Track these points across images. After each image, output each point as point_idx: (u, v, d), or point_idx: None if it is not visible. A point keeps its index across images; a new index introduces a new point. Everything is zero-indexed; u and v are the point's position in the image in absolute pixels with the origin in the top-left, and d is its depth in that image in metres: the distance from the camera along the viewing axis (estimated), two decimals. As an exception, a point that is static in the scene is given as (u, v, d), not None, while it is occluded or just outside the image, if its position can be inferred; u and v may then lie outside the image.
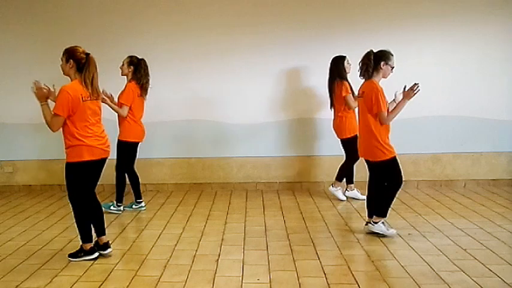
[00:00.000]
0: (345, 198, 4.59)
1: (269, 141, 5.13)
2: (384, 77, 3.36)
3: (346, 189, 4.67)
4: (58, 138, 5.20)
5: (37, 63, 5.09)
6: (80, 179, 3.11)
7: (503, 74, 4.88)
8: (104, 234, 3.25)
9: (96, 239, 3.25)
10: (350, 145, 4.29)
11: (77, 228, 3.19)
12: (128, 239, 3.64)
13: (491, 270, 2.85)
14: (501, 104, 4.94)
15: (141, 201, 4.45)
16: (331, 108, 4.51)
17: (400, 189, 3.46)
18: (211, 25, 4.89)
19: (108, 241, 3.26)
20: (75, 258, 3.17)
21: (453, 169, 5.09)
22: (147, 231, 3.84)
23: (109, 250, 3.24)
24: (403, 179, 3.46)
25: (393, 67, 3.34)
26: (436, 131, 5.00)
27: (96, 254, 3.18)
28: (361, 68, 3.34)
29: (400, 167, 3.41)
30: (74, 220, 3.20)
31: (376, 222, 3.47)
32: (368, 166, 3.58)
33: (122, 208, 4.36)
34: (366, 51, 3.32)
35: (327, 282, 2.76)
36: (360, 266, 3.00)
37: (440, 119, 4.98)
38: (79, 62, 2.96)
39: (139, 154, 5.24)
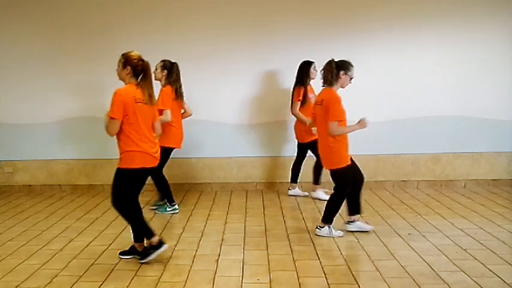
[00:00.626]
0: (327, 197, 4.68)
1: (269, 142, 5.13)
2: (342, 86, 3.42)
3: (289, 189, 4.85)
4: (58, 138, 5.26)
5: (37, 62, 5.10)
6: (130, 186, 3.07)
7: (503, 74, 4.88)
8: (154, 234, 3.14)
9: (149, 242, 3.12)
10: (311, 148, 4.50)
11: (131, 228, 3.16)
12: (128, 239, 3.62)
13: (491, 270, 2.85)
14: (501, 104, 4.94)
15: (175, 204, 4.38)
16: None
17: (362, 185, 3.56)
18: (212, 25, 4.89)
19: (160, 238, 3.18)
20: (147, 256, 3.08)
21: (453, 169, 5.09)
22: (147, 231, 3.83)
23: (165, 246, 3.15)
24: (364, 176, 3.57)
25: (352, 78, 3.41)
26: (436, 131, 5.00)
27: (151, 257, 3.09)
28: (324, 76, 3.40)
29: (350, 176, 3.46)
30: (128, 223, 3.15)
31: (352, 222, 3.59)
32: None
33: (176, 206, 4.35)
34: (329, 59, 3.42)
35: (327, 282, 2.76)
36: (360, 266, 3.00)
37: (440, 119, 4.98)
38: (135, 68, 2.96)
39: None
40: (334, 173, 3.49)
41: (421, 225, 3.77)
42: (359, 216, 3.67)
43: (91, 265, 3.12)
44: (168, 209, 4.32)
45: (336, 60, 3.36)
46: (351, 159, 3.48)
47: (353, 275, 2.85)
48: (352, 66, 3.39)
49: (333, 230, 3.55)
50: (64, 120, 5.21)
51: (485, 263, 2.96)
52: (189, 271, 2.97)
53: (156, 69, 4.04)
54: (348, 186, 3.48)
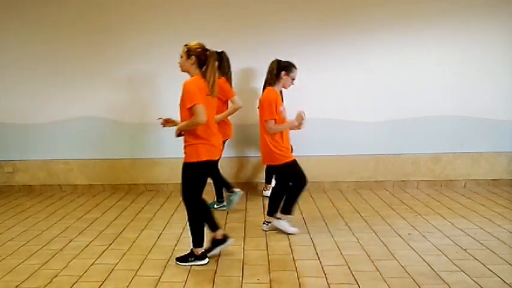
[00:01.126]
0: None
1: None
2: (284, 87, 3.53)
3: (264, 189, 4.91)
4: (58, 138, 5.26)
5: (37, 62, 5.10)
6: (199, 179, 3.02)
7: (503, 74, 4.88)
8: (219, 227, 3.17)
9: (213, 236, 3.16)
10: None
11: (190, 231, 3.09)
12: (128, 239, 3.64)
13: (491, 270, 2.85)
14: (501, 104, 4.94)
15: (223, 201, 4.39)
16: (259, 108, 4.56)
17: (304, 189, 3.56)
18: (212, 26, 4.89)
19: (225, 233, 3.21)
20: (185, 262, 3.07)
21: (453, 169, 5.09)
22: (147, 231, 3.84)
23: (231, 240, 3.18)
24: (308, 180, 3.56)
25: (294, 79, 3.49)
26: (436, 131, 5.00)
27: (207, 260, 3.09)
28: (266, 75, 3.54)
29: (300, 168, 3.54)
30: (188, 223, 3.10)
31: (279, 218, 3.65)
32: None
33: (225, 203, 4.38)
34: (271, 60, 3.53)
35: (327, 282, 2.76)
36: (360, 266, 3.00)
37: (440, 119, 4.98)
38: (200, 59, 2.90)
39: (139, 154, 5.27)
40: (281, 171, 3.59)
41: (421, 225, 3.77)
42: (287, 217, 3.67)
43: (91, 265, 3.12)
44: (215, 206, 4.35)
45: (281, 60, 3.48)
46: (294, 161, 3.56)
47: (353, 275, 2.85)
48: (295, 68, 3.47)
49: (286, 223, 3.63)
50: (64, 120, 5.21)
51: (485, 263, 2.96)
52: (189, 271, 2.97)
53: None
54: (301, 176, 3.54)
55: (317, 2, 4.83)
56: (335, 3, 4.83)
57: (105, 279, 2.89)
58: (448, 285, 2.68)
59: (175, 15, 4.91)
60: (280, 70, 3.44)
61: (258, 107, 3.63)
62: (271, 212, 3.68)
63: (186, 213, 3.10)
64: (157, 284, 2.79)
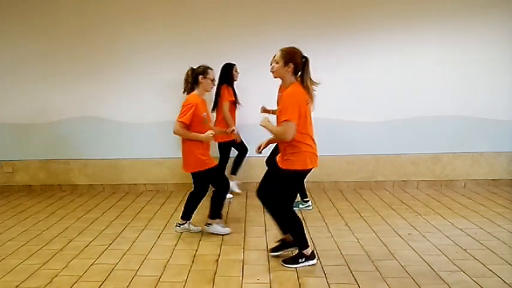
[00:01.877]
0: (238, 191, 4.89)
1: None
2: (206, 90, 3.52)
3: None
4: (58, 138, 5.26)
5: (36, 62, 5.10)
6: (297, 187, 3.07)
7: (503, 74, 4.88)
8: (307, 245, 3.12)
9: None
10: (229, 148, 4.73)
11: (294, 237, 3.07)
12: (128, 239, 3.64)
13: (491, 270, 2.85)
14: (501, 104, 4.94)
15: (308, 200, 4.39)
16: (213, 110, 4.60)
17: (228, 192, 3.69)
18: (212, 26, 4.89)
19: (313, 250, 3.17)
20: (295, 264, 3.01)
21: (453, 169, 5.09)
22: (147, 231, 3.84)
23: (315, 260, 3.11)
24: (228, 190, 3.70)
25: (212, 79, 3.52)
26: (436, 131, 5.00)
27: (316, 260, 3.05)
28: (183, 85, 3.53)
29: (206, 181, 3.64)
30: (289, 229, 3.08)
31: (211, 224, 3.68)
32: None
33: (310, 203, 4.39)
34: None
35: (327, 282, 2.76)
36: (360, 266, 3.00)
37: (441, 119, 4.98)
38: (298, 66, 2.78)
39: (139, 154, 5.27)
40: (193, 175, 3.60)
41: (421, 225, 3.77)
42: (219, 220, 3.74)
43: (91, 265, 3.12)
44: (300, 206, 4.35)
45: (194, 68, 3.49)
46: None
47: (353, 275, 2.85)
48: (210, 69, 3.49)
49: (220, 226, 3.69)
50: (64, 120, 5.21)
51: (485, 263, 2.96)
52: (189, 271, 2.97)
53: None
54: (224, 180, 3.63)
55: (317, 2, 4.83)
56: (335, 4, 4.82)
57: (105, 279, 2.89)
58: (448, 285, 2.68)
59: (175, 14, 4.91)
60: (196, 76, 3.45)
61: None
62: (186, 217, 3.73)
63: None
64: (157, 284, 2.79)
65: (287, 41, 4.88)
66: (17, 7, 4.99)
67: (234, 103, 4.58)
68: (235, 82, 4.60)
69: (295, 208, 3.98)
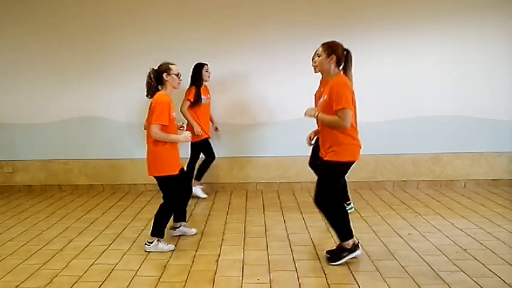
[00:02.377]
0: (204, 196, 4.85)
1: (269, 142, 5.13)
2: (174, 87, 3.27)
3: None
4: (58, 138, 5.26)
5: (36, 62, 5.11)
6: (341, 179, 3.04)
7: (503, 74, 4.88)
8: (352, 236, 3.07)
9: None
10: (201, 148, 4.66)
11: (336, 229, 3.03)
12: (128, 239, 3.64)
13: (491, 270, 2.85)
14: (501, 104, 4.94)
15: (350, 203, 4.27)
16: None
17: (173, 209, 3.39)
18: (212, 26, 4.90)
19: (357, 241, 3.11)
20: (339, 260, 2.99)
21: (453, 169, 5.09)
22: (147, 231, 3.82)
23: (359, 251, 3.07)
24: (188, 199, 3.53)
25: (177, 74, 3.24)
26: (436, 131, 5.00)
27: (360, 250, 3.04)
28: (147, 88, 3.25)
29: (173, 187, 3.31)
30: (333, 222, 3.02)
31: (151, 242, 3.31)
32: None
33: (352, 205, 4.29)
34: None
35: (327, 282, 2.76)
36: (360, 266, 3.00)
37: (440, 119, 4.98)
38: (340, 58, 2.87)
39: (139, 154, 5.25)
40: (158, 181, 3.31)
41: (421, 225, 3.77)
42: (184, 223, 3.67)
43: (91, 265, 3.11)
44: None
45: (154, 68, 3.24)
46: (180, 171, 3.33)
47: (353, 275, 2.84)
48: (172, 64, 3.24)
49: (163, 244, 3.33)
50: (64, 120, 5.21)
51: (485, 263, 2.96)
52: (189, 271, 2.97)
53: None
54: (173, 197, 3.32)
55: (317, 3, 4.83)
56: (335, 4, 4.82)
57: (105, 279, 2.89)
58: (448, 285, 2.68)
59: (175, 14, 4.91)
60: (160, 76, 3.20)
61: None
62: (156, 233, 3.35)
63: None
64: (157, 284, 2.79)
65: (287, 41, 4.93)
66: (16, 7, 4.99)
67: (195, 103, 4.48)
68: (205, 82, 4.58)
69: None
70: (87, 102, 5.15)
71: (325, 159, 2.92)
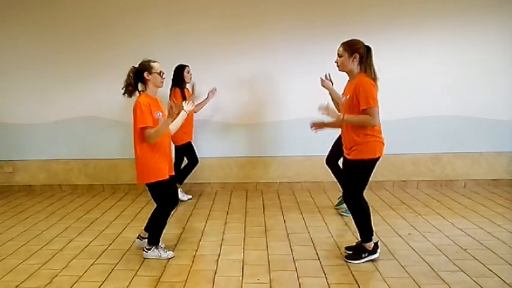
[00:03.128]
0: (186, 198, 4.80)
1: (269, 141, 5.13)
2: (157, 85, 3.04)
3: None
4: (58, 138, 5.26)
5: (37, 62, 5.11)
6: (368, 176, 2.98)
7: (503, 74, 4.88)
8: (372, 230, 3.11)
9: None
10: (184, 151, 4.63)
11: (360, 228, 3.06)
12: (128, 239, 3.64)
13: (491, 270, 2.85)
14: (501, 104, 4.93)
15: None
16: None
17: (170, 215, 3.19)
18: (212, 27, 4.90)
19: (376, 242, 3.12)
20: (359, 259, 3.01)
21: (453, 169, 5.09)
22: (147, 231, 3.83)
23: (378, 254, 3.06)
24: (177, 204, 3.25)
25: (159, 72, 3.01)
26: (436, 131, 5.00)
27: (379, 253, 3.05)
28: (125, 89, 3.04)
29: (170, 192, 3.12)
30: (358, 221, 3.04)
31: (148, 249, 3.19)
32: None
33: None
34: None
35: (327, 282, 2.76)
36: (359, 266, 2.99)
37: (440, 119, 4.98)
38: (362, 56, 2.88)
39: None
40: (149, 187, 3.12)
41: (421, 225, 3.77)
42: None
43: (91, 265, 3.11)
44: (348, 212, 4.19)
45: (135, 66, 3.08)
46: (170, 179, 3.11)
47: (353, 275, 2.84)
48: (154, 62, 3.03)
49: (161, 251, 3.19)
50: (64, 120, 5.21)
51: (485, 263, 2.96)
52: (189, 271, 2.97)
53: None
54: (168, 200, 3.11)
55: (316, 2, 4.83)
56: (335, 4, 4.82)
57: (105, 279, 2.89)
58: (448, 285, 2.68)
59: (175, 13, 4.91)
60: (141, 75, 2.99)
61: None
62: (153, 241, 3.19)
63: None
64: (157, 284, 2.79)
65: (287, 41, 4.93)
66: (16, 7, 4.99)
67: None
68: (187, 84, 4.55)
69: (345, 214, 4.03)
70: (87, 102, 5.15)
71: (349, 157, 2.96)
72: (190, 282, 2.81)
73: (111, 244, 3.52)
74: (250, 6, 4.86)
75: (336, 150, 3.89)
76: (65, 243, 3.55)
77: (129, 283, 2.82)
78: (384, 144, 2.94)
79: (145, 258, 3.19)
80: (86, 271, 3.01)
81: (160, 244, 3.21)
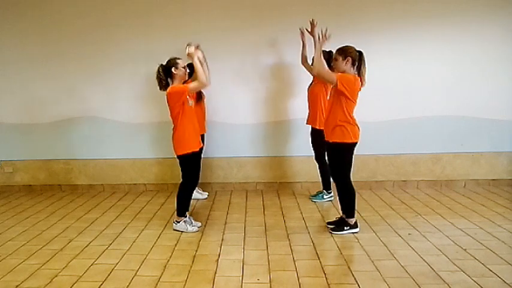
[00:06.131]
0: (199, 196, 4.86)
1: (269, 141, 5.13)
2: (182, 78, 3.56)
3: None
4: (58, 138, 5.26)
5: (37, 62, 5.10)
6: (350, 158, 3.49)
7: (503, 73, 4.88)
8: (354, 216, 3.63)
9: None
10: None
11: (343, 204, 3.60)
12: (128, 239, 3.64)
13: (491, 270, 2.85)
14: (501, 104, 4.93)
15: (331, 192, 4.59)
16: None
17: (195, 189, 3.73)
18: (213, 27, 4.89)
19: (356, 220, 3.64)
20: (341, 231, 3.55)
21: (453, 169, 5.09)
22: (147, 231, 3.84)
23: (358, 229, 3.61)
24: (199, 179, 3.78)
25: (184, 67, 3.53)
26: (436, 131, 5.00)
27: (359, 228, 3.58)
28: (159, 84, 3.55)
29: (197, 166, 3.68)
30: (342, 197, 3.58)
31: (178, 222, 3.74)
32: None
33: (332, 194, 4.57)
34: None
35: (327, 282, 2.76)
36: (360, 266, 3.00)
37: (440, 119, 4.98)
38: (354, 59, 3.30)
39: (139, 154, 5.27)
40: (181, 161, 3.62)
41: (421, 225, 3.77)
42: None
43: (91, 265, 3.12)
44: (325, 197, 4.58)
45: (162, 63, 3.52)
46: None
47: (353, 275, 2.85)
48: (179, 59, 3.53)
49: (188, 225, 3.72)
50: (64, 120, 5.21)
51: (485, 263, 2.96)
52: (189, 271, 2.97)
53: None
54: (193, 173, 3.64)
55: (317, 3, 4.83)
56: (334, 3, 4.82)
57: (105, 279, 2.89)
58: (448, 285, 2.68)
59: (176, 15, 4.90)
60: (169, 70, 3.49)
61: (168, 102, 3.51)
62: (180, 212, 3.74)
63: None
64: (157, 284, 2.79)
65: (288, 41, 4.92)
66: (16, 7, 4.99)
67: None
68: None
69: (316, 200, 4.59)
70: (87, 102, 5.14)
71: (330, 141, 3.42)
72: (190, 282, 2.81)
73: (111, 244, 3.52)
74: (251, 7, 4.85)
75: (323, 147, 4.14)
76: (65, 243, 3.55)
77: (129, 283, 2.82)
78: (359, 130, 3.41)
79: (174, 230, 3.71)
80: (86, 271, 3.01)
81: (187, 218, 3.73)
